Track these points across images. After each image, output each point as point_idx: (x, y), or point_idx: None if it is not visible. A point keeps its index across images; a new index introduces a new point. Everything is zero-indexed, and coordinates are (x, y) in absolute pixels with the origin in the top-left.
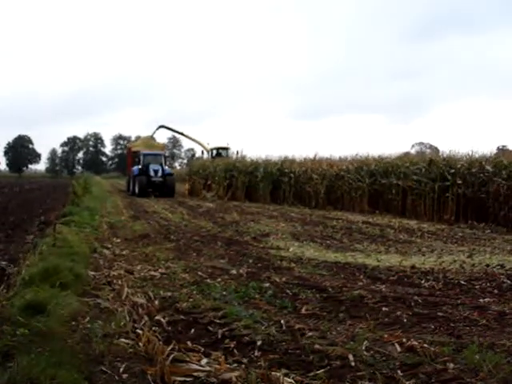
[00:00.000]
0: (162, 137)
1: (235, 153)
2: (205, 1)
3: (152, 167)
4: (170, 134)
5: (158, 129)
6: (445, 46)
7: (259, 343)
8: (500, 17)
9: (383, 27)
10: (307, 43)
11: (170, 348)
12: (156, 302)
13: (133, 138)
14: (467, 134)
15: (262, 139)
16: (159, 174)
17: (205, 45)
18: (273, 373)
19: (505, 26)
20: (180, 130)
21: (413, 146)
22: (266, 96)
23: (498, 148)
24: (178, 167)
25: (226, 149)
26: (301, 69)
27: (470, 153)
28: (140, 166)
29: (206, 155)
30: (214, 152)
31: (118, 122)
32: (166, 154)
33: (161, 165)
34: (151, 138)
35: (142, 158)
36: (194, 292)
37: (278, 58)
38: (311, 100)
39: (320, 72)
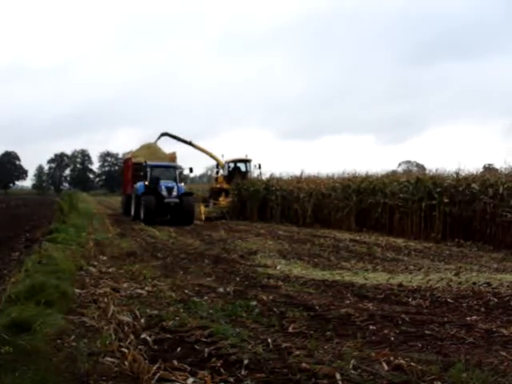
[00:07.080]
0: None
1: (257, 167)
2: (200, 23)
3: (164, 184)
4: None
5: (160, 137)
6: (436, 71)
7: (246, 362)
8: (491, 44)
9: (377, 51)
10: (302, 65)
11: (155, 367)
12: (142, 321)
13: (120, 156)
14: (455, 153)
15: (255, 158)
16: (174, 193)
17: (198, 65)
18: None
19: (495, 52)
20: (188, 140)
21: (399, 164)
22: (259, 116)
23: (485, 166)
24: None
25: (246, 161)
26: (295, 89)
27: (457, 171)
28: (146, 182)
29: (221, 171)
30: (231, 166)
31: (107, 140)
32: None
33: (175, 180)
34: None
35: (148, 171)
36: (181, 310)
37: (272, 80)
38: (303, 120)
39: (314, 93)
